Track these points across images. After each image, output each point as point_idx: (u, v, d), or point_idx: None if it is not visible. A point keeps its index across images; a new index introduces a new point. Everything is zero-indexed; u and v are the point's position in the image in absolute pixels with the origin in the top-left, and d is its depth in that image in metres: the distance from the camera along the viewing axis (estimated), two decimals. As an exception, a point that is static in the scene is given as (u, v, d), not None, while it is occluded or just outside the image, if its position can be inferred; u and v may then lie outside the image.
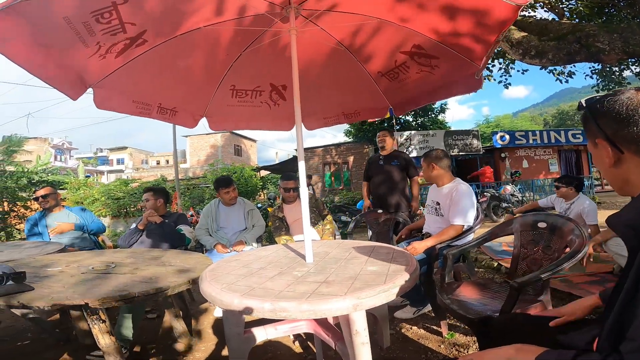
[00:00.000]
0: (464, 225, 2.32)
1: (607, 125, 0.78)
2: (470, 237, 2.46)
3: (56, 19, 1.57)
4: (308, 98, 3.16)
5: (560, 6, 6.05)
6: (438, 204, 2.53)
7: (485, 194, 9.42)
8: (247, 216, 3.27)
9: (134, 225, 3.18)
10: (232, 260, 1.94)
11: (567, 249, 1.81)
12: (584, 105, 0.85)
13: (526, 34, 4.71)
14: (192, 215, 9.72)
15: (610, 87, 7.56)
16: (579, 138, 14.08)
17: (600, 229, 4.32)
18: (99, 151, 48.74)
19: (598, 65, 7.47)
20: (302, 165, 1.90)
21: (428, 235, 2.61)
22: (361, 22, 2.26)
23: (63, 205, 3.75)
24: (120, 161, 45.65)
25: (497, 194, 9.35)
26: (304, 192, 1.90)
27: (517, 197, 9.60)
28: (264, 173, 24.59)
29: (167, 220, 3.21)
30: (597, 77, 7.70)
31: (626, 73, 7.67)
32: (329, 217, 3.30)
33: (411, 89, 2.78)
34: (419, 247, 2.28)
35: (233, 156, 30.51)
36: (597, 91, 7.82)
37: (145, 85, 2.45)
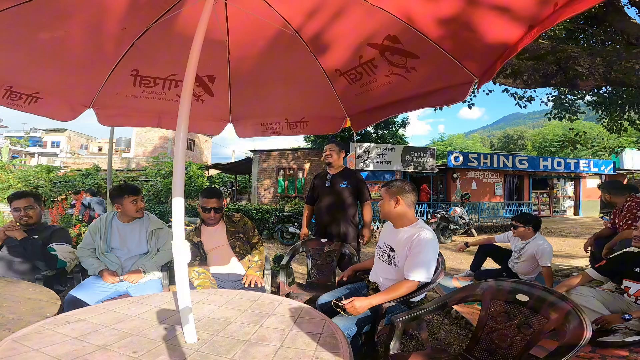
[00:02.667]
0: (420, 282, 1.81)
1: None
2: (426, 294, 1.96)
3: None
4: (242, 96, 2.51)
5: None
6: (392, 250, 1.99)
7: (435, 214, 9.34)
8: (149, 237, 2.52)
9: None
10: (68, 324, 1.27)
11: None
12: None
13: None
14: None
15: (563, 115, 7.64)
16: (524, 164, 14.77)
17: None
18: (32, 131, 43.47)
19: (555, 91, 7.56)
20: (180, 181, 1.26)
21: (375, 286, 2.08)
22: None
23: None
24: (55, 144, 41.07)
25: (446, 215, 9.31)
26: (178, 212, 1.25)
27: (465, 219, 9.64)
28: (214, 172, 23.21)
29: (36, 237, 2.42)
30: (553, 104, 7.75)
31: (579, 102, 7.80)
32: (261, 248, 2.65)
33: (375, 97, 2.20)
34: (359, 307, 1.71)
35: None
36: (549, 118, 7.97)
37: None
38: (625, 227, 3.20)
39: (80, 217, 5.76)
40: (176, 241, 1.21)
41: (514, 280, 1.54)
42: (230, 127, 2.74)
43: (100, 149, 40.75)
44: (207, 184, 15.79)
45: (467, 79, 1.73)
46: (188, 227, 2.91)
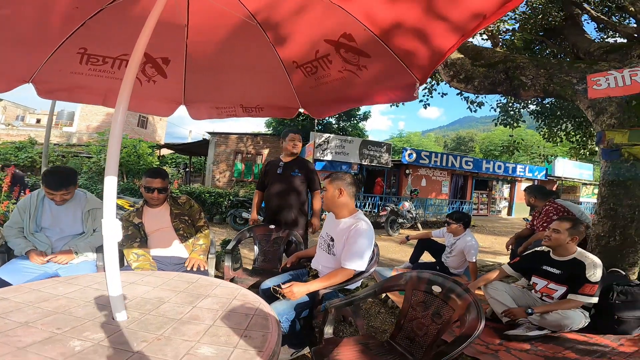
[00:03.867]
0: (355, 270, 1.94)
1: None
2: (361, 281, 2.10)
3: None
4: (198, 80, 2.47)
5: (499, 36, 6.23)
6: (332, 239, 2.10)
7: (386, 207, 9.77)
8: (85, 217, 2.40)
9: None
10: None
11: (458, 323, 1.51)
12: None
13: (462, 56, 4.62)
14: None
15: (508, 122, 8.28)
16: (469, 165, 15.84)
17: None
18: (-39, 101, 38.06)
19: (503, 99, 8.10)
20: (113, 160, 1.25)
21: (315, 273, 2.18)
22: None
23: None
24: (-12, 114, 36.41)
25: (396, 209, 9.77)
26: (110, 189, 1.23)
27: (412, 214, 10.19)
28: (167, 152, 22.11)
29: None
30: (500, 111, 8.34)
31: (524, 111, 8.43)
32: (206, 231, 2.63)
33: (328, 91, 2.29)
34: (297, 292, 1.81)
35: (135, 127, 26.78)
36: (496, 124, 8.58)
37: None
38: (542, 228, 3.59)
39: None
40: (106, 218, 1.19)
41: (433, 272, 1.69)
42: (185, 108, 2.69)
43: (38, 121, 36.88)
44: (157, 163, 15.01)
45: (410, 80, 1.87)
46: (132, 207, 2.81)
